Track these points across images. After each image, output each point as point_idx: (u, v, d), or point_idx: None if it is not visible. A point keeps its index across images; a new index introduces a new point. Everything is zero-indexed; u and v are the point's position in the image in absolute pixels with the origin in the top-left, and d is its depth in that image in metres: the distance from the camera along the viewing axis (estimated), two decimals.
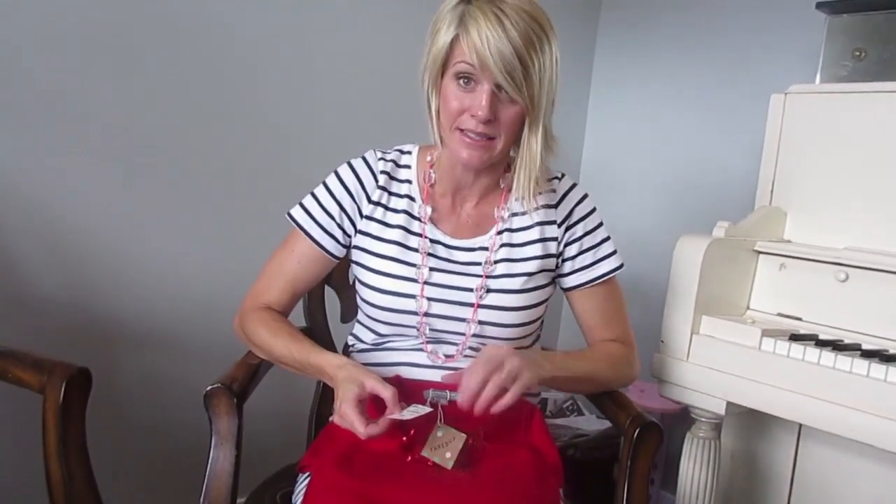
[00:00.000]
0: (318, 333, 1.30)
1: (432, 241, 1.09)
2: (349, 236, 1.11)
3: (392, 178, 1.11)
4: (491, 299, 1.06)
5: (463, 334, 1.07)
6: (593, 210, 1.14)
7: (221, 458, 1.00)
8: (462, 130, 1.00)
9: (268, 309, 1.11)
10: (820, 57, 1.52)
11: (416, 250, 1.08)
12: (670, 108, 2.18)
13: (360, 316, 1.15)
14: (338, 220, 1.10)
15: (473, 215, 1.11)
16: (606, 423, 1.92)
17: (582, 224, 1.13)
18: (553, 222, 1.11)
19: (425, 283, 1.06)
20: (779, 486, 1.47)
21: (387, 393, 0.92)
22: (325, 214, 1.10)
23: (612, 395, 1.17)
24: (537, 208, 1.09)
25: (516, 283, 1.08)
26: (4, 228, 1.36)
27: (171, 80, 1.53)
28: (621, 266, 1.15)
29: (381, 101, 1.86)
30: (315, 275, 1.14)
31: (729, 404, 1.30)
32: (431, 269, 1.07)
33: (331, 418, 1.12)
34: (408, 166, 1.12)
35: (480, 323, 1.06)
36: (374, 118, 1.85)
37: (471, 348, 1.08)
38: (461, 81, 0.98)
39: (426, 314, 1.06)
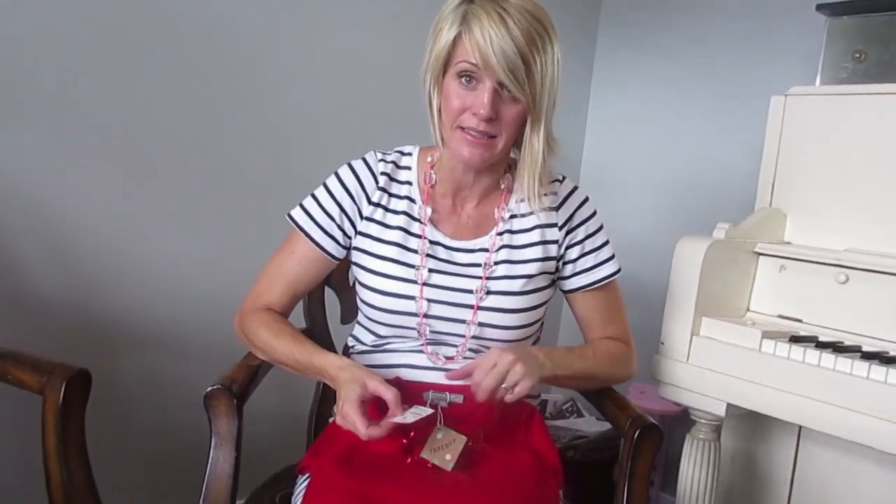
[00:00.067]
0: (317, 334, 1.30)
1: (432, 242, 1.09)
2: (349, 237, 1.11)
3: (392, 179, 1.11)
4: (491, 301, 1.06)
5: (463, 336, 1.07)
6: (594, 213, 1.15)
7: (221, 460, 1.00)
8: (463, 129, 1.00)
9: (268, 310, 1.11)
10: (820, 59, 1.52)
11: (415, 252, 1.08)
12: (670, 110, 2.18)
13: (359, 317, 1.15)
14: (338, 221, 1.10)
15: (474, 216, 1.11)
16: (606, 425, 1.92)
17: (584, 227, 1.13)
18: (554, 225, 1.11)
19: (425, 284, 1.06)
20: (779, 487, 1.47)
21: (389, 394, 0.93)
22: (325, 216, 1.10)
23: (612, 396, 1.17)
24: (543, 209, 1.09)
25: (516, 285, 1.08)
26: (4, 228, 1.36)
27: (171, 80, 1.53)
28: (619, 271, 1.16)
29: (381, 103, 1.86)
30: (315, 276, 1.14)
31: (729, 406, 1.30)
32: (431, 271, 1.07)
33: (331, 418, 1.13)
34: (408, 168, 1.12)
35: (480, 325, 1.06)
36: (374, 119, 1.85)
37: (470, 350, 1.08)
38: (463, 80, 0.98)
39: (426, 315, 1.06)
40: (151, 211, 1.54)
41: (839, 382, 1.16)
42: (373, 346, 1.12)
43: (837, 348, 1.23)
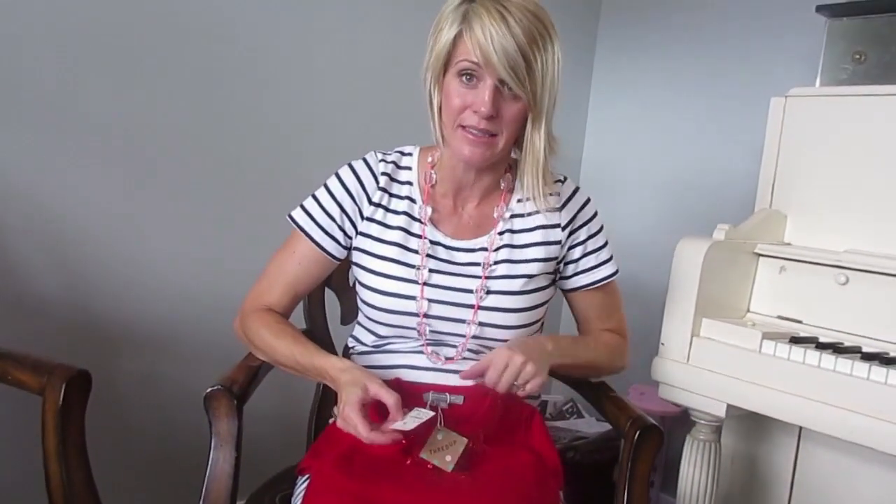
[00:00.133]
0: (318, 335, 1.30)
1: (432, 242, 1.09)
2: (350, 238, 1.11)
3: (392, 179, 1.11)
4: (491, 301, 1.07)
5: (463, 335, 1.07)
6: (596, 214, 1.16)
7: (221, 460, 1.00)
8: (464, 127, 1.00)
9: (269, 311, 1.11)
10: (820, 60, 1.52)
11: (416, 252, 1.08)
12: (670, 110, 2.18)
13: (360, 318, 1.15)
14: (338, 221, 1.10)
15: (475, 216, 1.11)
16: (606, 426, 1.92)
17: (586, 228, 1.14)
18: (557, 226, 1.12)
19: (425, 284, 1.06)
20: (779, 488, 1.47)
21: (390, 399, 0.93)
22: (325, 216, 1.10)
23: (612, 397, 1.17)
24: (550, 209, 1.10)
25: (516, 285, 1.08)
26: (4, 228, 1.36)
27: (172, 80, 1.53)
28: (617, 272, 1.17)
29: (381, 103, 1.86)
30: (316, 276, 1.14)
31: (729, 407, 1.30)
32: (431, 271, 1.07)
33: (331, 420, 1.13)
34: (408, 168, 1.12)
35: (480, 324, 1.06)
36: (374, 119, 1.85)
37: (470, 350, 1.08)
38: (464, 78, 0.98)
39: (426, 315, 1.06)
40: (151, 211, 1.54)
41: (839, 383, 1.16)
42: (373, 346, 1.12)
43: (837, 349, 1.23)
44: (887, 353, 1.22)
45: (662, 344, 1.39)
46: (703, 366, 1.32)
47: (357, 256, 1.11)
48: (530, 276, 1.09)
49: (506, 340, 1.07)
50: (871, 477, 1.34)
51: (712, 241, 1.36)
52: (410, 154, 1.13)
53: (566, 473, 1.06)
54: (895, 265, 1.26)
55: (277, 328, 1.08)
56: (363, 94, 1.84)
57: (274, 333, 1.07)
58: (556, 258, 1.12)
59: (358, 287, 1.12)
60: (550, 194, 1.08)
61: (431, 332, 1.07)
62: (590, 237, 1.14)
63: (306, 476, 1.03)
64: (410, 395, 1.01)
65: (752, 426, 1.50)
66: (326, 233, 1.10)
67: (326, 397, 1.27)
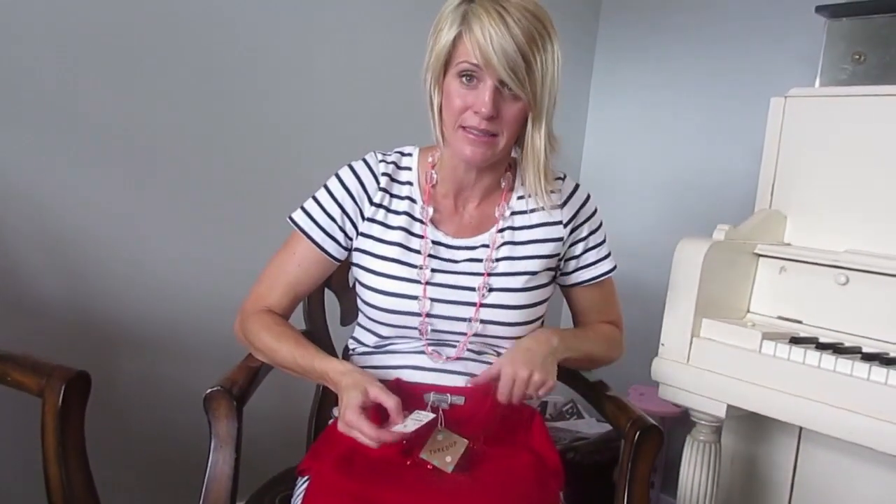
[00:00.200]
0: (317, 336, 1.29)
1: (434, 242, 1.09)
2: (350, 239, 1.11)
3: (393, 179, 1.11)
4: (493, 298, 1.07)
5: (464, 334, 1.07)
6: (596, 210, 1.17)
7: (221, 462, 1.00)
8: (465, 128, 1.00)
9: (269, 312, 1.11)
10: (820, 60, 1.52)
11: (417, 252, 1.08)
12: (670, 110, 2.18)
13: (360, 319, 1.15)
14: (339, 222, 1.10)
15: (475, 216, 1.12)
16: (606, 427, 1.92)
17: (587, 224, 1.14)
18: (559, 223, 1.12)
19: (427, 283, 1.06)
20: (779, 489, 1.47)
21: (391, 402, 0.93)
22: (326, 217, 1.10)
23: (613, 398, 1.17)
24: (554, 207, 1.10)
25: (518, 282, 1.08)
26: (4, 229, 1.36)
27: (172, 81, 1.53)
28: (616, 267, 1.19)
29: (381, 103, 1.86)
30: (316, 278, 1.14)
31: (729, 407, 1.30)
32: (434, 270, 1.07)
33: (331, 420, 1.13)
34: (408, 168, 1.12)
35: (483, 322, 1.06)
36: (374, 120, 1.85)
37: (470, 350, 1.08)
38: (464, 79, 0.98)
39: (428, 315, 1.06)
40: (151, 212, 1.54)
41: (839, 384, 1.16)
42: (374, 347, 1.12)
43: (838, 349, 1.23)
44: (887, 354, 1.22)
45: (662, 344, 1.39)
46: (703, 366, 1.32)
47: (358, 257, 1.11)
48: (532, 273, 1.09)
49: (507, 338, 1.08)
50: (871, 477, 1.34)
51: (712, 241, 1.36)
52: (410, 154, 1.13)
53: (566, 474, 1.06)
54: (895, 265, 1.25)
55: (278, 330, 1.07)
56: (363, 94, 1.83)
57: (274, 336, 1.07)
58: (557, 255, 1.13)
59: (358, 288, 1.12)
60: (551, 191, 1.09)
61: (433, 331, 1.07)
62: (591, 233, 1.15)
63: (306, 477, 1.03)
64: (411, 395, 1.01)
65: (752, 426, 1.50)
66: (327, 234, 1.10)
67: (326, 398, 1.27)
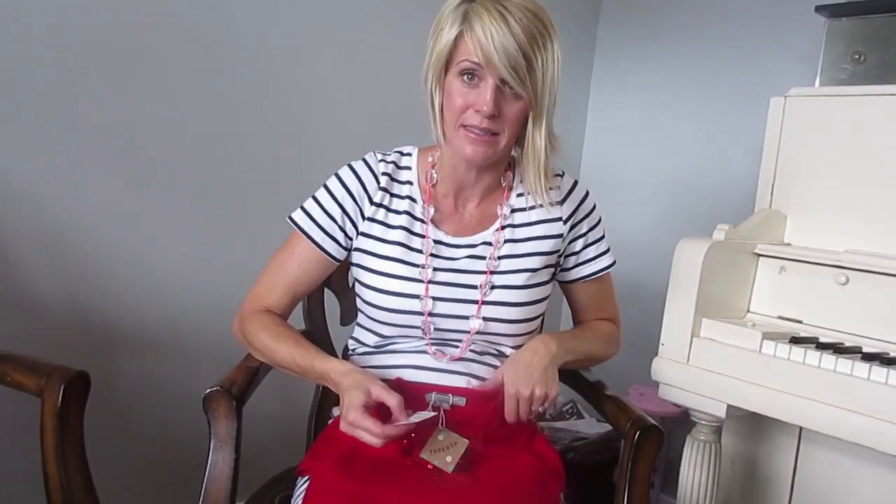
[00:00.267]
0: (317, 336, 1.29)
1: (435, 241, 1.09)
2: (350, 239, 1.11)
3: (393, 179, 1.11)
4: (495, 295, 1.07)
5: (467, 332, 1.07)
6: (595, 206, 1.17)
7: (220, 462, 1.00)
8: (466, 127, 1.00)
9: (268, 312, 1.11)
10: (819, 60, 1.52)
11: (419, 251, 1.08)
12: (670, 110, 2.18)
13: (360, 319, 1.15)
14: (339, 222, 1.10)
15: (476, 215, 1.12)
16: (606, 427, 1.92)
17: (587, 220, 1.15)
18: (559, 219, 1.12)
19: (430, 282, 1.06)
20: (779, 489, 1.47)
21: (392, 401, 0.93)
22: (326, 217, 1.10)
23: (612, 398, 1.17)
24: (552, 204, 1.10)
25: (520, 279, 1.08)
26: (4, 229, 1.36)
27: (172, 81, 1.53)
28: (614, 262, 1.20)
29: (381, 103, 1.86)
30: (315, 277, 1.14)
31: (729, 407, 1.30)
32: (436, 269, 1.07)
33: (330, 420, 1.13)
34: (408, 168, 1.12)
35: (485, 319, 1.06)
36: (374, 120, 1.85)
37: (472, 350, 1.08)
38: (465, 78, 0.98)
39: (431, 314, 1.06)
40: (151, 212, 1.54)
41: (840, 383, 1.16)
42: (375, 347, 1.12)
43: (838, 349, 1.23)
44: (888, 354, 1.22)
45: (662, 344, 1.39)
46: (703, 366, 1.32)
47: (358, 257, 1.10)
48: (534, 270, 1.09)
49: (509, 335, 1.08)
50: (871, 477, 1.34)
51: (712, 241, 1.36)
52: (409, 154, 1.14)
53: (566, 474, 1.06)
54: (895, 265, 1.25)
55: (277, 330, 1.07)
56: (363, 94, 1.83)
57: (273, 336, 1.06)
58: (557, 251, 1.13)
59: (359, 288, 1.12)
60: (551, 188, 1.09)
61: (435, 329, 1.07)
62: (591, 229, 1.16)
63: (306, 477, 1.03)
64: (412, 395, 1.01)
65: (752, 426, 1.50)
66: (327, 234, 1.10)
67: (326, 398, 1.27)
